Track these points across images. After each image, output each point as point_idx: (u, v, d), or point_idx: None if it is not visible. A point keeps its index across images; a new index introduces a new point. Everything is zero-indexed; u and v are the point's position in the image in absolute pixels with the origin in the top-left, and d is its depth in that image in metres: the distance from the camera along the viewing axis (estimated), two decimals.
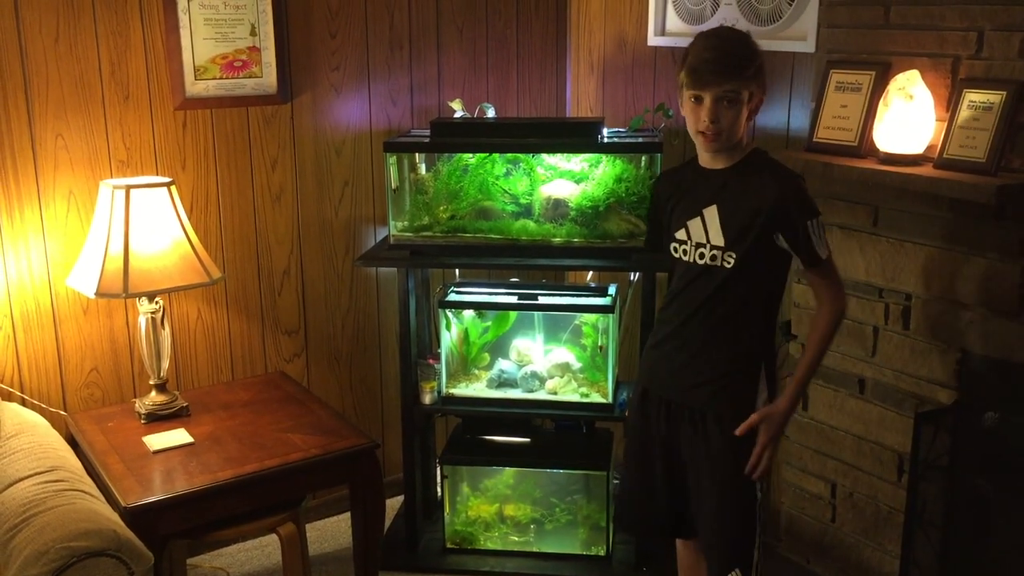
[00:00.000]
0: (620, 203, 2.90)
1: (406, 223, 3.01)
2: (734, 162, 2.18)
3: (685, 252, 2.24)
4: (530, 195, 3.00)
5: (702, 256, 2.20)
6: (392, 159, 2.98)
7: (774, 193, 2.10)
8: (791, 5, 2.83)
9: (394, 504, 3.33)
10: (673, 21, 3.26)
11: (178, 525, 2.38)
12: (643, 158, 2.93)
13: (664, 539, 2.66)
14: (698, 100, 2.11)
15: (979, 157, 2.23)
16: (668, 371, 2.31)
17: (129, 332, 2.92)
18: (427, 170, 3.07)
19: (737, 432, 2.19)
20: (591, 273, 3.49)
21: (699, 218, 2.20)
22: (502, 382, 3.09)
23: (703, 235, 2.19)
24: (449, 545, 3.12)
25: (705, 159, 2.23)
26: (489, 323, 3.17)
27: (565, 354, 3.12)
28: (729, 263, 2.15)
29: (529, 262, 2.95)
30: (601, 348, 3.05)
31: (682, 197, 2.26)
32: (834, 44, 2.63)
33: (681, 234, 2.24)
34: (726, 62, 2.09)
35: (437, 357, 3.06)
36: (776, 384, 2.27)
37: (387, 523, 3.02)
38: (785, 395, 2.21)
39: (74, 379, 2.86)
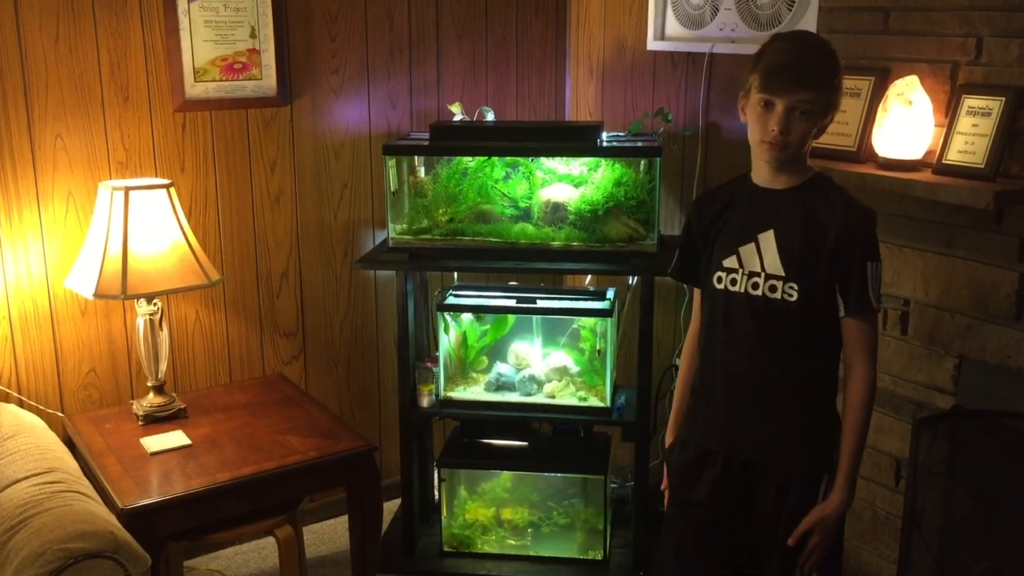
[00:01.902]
0: (619, 207, 2.91)
1: (405, 226, 3.01)
2: (798, 183, 1.95)
3: (733, 282, 1.98)
4: (529, 199, 3.00)
5: (756, 287, 1.95)
6: (391, 162, 2.98)
7: (842, 223, 1.89)
8: (791, 10, 2.84)
9: (391, 507, 3.33)
10: (672, 26, 3.27)
11: (175, 527, 2.38)
12: (642, 162, 2.94)
13: None
14: (768, 106, 1.87)
15: (978, 163, 2.23)
16: (725, 423, 2.04)
17: (127, 334, 2.92)
18: (426, 173, 3.07)
19: (789, 542, 1.96)
20: (589, 277, 3.50)
21: (754, 244, 1.96)
22: (500, 385, 3.09)
23: (758, 263, 1.95)
24: (446, 548, 3.12)
25: (763, 177, 1.98)
26: (487, 326, 3.17)
27: (563, 358, 3.11)
28: (792, 296, 1.92)
29: (528, 266, 2.95)
30: (599, 352, 3.05)
31: (731, 219, 2.02)
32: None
33: (730, 261, 1.99)
34: (808, 69, 1.88)
35: (435, 360, 3.06)
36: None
37: (384, 526, 3.01)
38: (836, 493, 1.95)
39: (72, 380, 2.86)
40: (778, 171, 1.95)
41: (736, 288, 1.98)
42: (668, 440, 2.25)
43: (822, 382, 2.01)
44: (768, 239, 1.95)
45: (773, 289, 1.94)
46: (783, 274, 1.93)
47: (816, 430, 2.01)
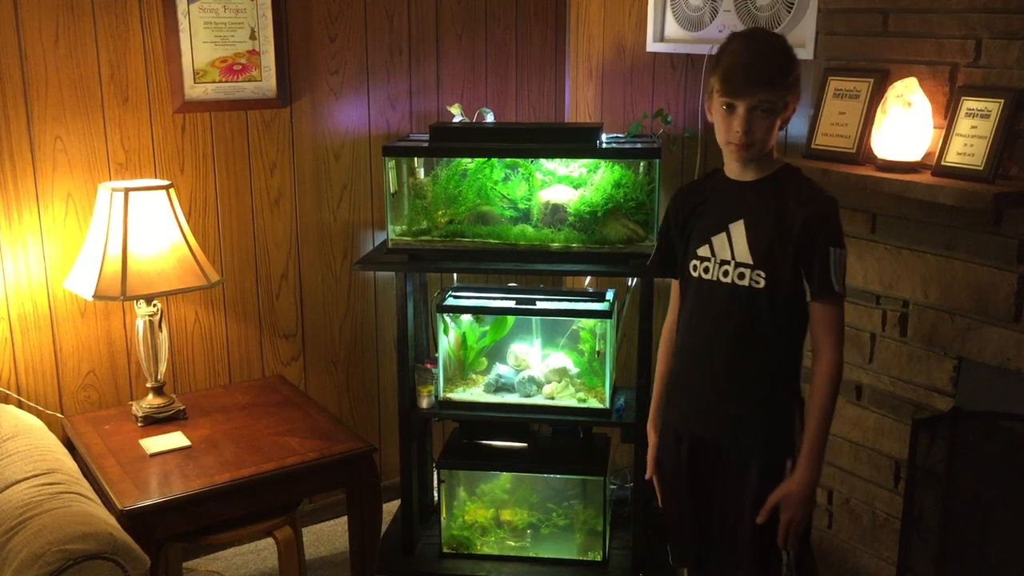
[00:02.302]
0: (618, 209, 2.91)
1: (404, 227, 3.01)
2: (764, 175, 2.03)
3: (707, 270, 2.07)
4: (529, 200, 3.00)
5: (726, 274, 2.04)
6: (391, 163, 2.98)
7: (807, 212, 1.95)
8: (790, 12, 2.84)
9: (391, 508, 3.33)
10: (672, 27, 3.27)
11: (175, 528, 2.38)
12: (641, 164, 2.94)
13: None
14: (730, 109, 1.95)
15: (977, 165, 2.24)
16: (695, 405, 2.16)
17: (127, 335, 2.92)
18: (426, 174, 3.07)
19: (758, 520, 2.04)
20: (589, 278, 3.50)
21: (724, 233, 2.04)
22: (499, 387, 3.09)
23: (728, 252, 2.03)
24: (446, 550, 3.12)
25: (733, 170, 2.07)
26: (487, 328, 3.17)
27: (563, 359, 3.12)
28: (759, 283, 2.00)
29: (527, 267, 2.96)
30: (599, 353, 3.05)
31: (705, 211, 2.10)
32: (832, 51, 2.64)
33: (704, 250, 2.08)
34: (764, 69, 1.93)
35: (435, 361, 3.06)
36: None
37: (384, 527, 3.01)
38: (798, 472, 2.02)
39: (71, 381, 2.86)
40: (746, 165, 2.04)
41: (709, 276, 2.08)
42: (649, 429, 2.33)
43: (787, 367, 2.07)
44: (739, 229, 2.03)
45: (742, 276, 2.02)
46: (751, 262, 2.01)
47: (777, 414, 2.07)
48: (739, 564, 2.14)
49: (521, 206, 3.00)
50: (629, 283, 3.34)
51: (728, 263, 2.04)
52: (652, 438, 2.31)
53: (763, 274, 2.00)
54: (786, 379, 2.08)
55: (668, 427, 2.24)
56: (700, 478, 2.18)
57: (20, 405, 2.76)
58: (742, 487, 2.10)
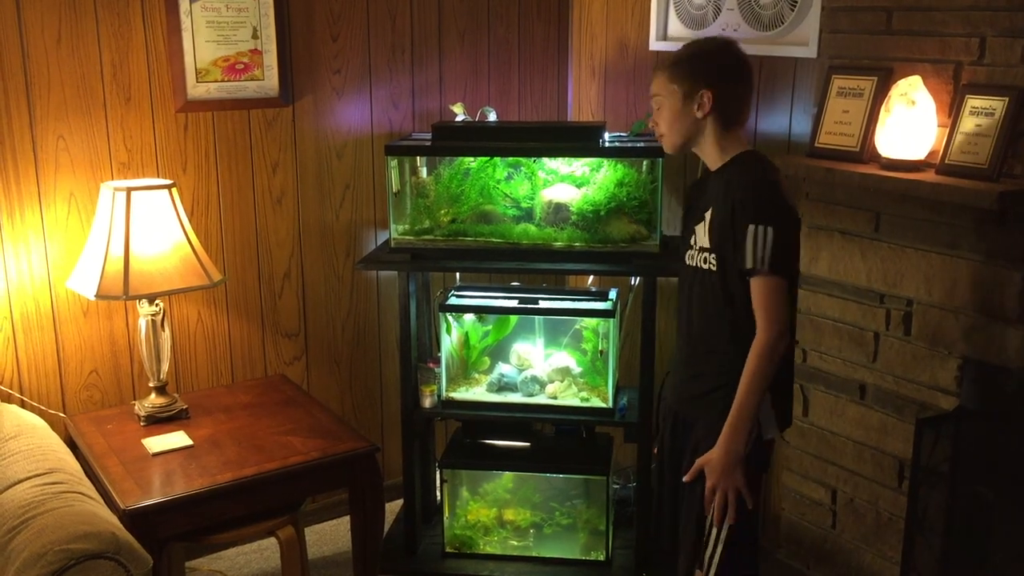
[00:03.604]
0: (621, 208, 2.90)
1: (407, 226, 3.00)
2: (723, 163, 2.14)
3: (690, 257, 2.19)
4: (531, 199, 2.99)
5: (692, 259, 2.18)
6: (393, 162, 2.98)
7: (735, 194, 2.04)
8: (793, 10, 2.83)
9: (393, 508, 3.32)
10: (675, 26, 3.26)
11: (177, 528, 2.38)
12: (644, 163, 2.93)
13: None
14: None
15: (981, 163, 2.23)
16: (672, 382, 2.31)
17: (129, 334, 2.92)
18: (428, 174, 3.07)
19: (685, 479, 2.14)
20: (592, 277, 3.49)
21: (702, 222, 2.14)
22: (502, 386, 3.08)
23: (701, 238, 2.15)
24: (448, 549, 3.12)
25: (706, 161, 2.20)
26: (489, 327, 3.17)
27: (565, 358, 3.11)
28: (712, 266, 2.10)
29: (530, 266, 2.95)
30: (602, 353, 3.05)
31: (695, 202, 2.22)
32: (836, 49, 2.63)
33: (691, 239, 2.20)
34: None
35: (437, 361, 3.06)
36: (784, 402, 2.18)
37: (386, 527, 3.01)
38: (719, 441, 2.07)
39: (74, 381, 2.86)
40: (701, 156, 2.17)
41: (690, 262, 2.19)
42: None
43: (740, 348, 2.08)
44: (708, 216, 2.12)
45: (704, 260, 2.13)
46: (708, 245, 2.11)
47: (729, 392, 2.09)
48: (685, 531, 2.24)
49: (524, 205, 3.00)
50: (632, 282, 3.34)
51: (698, 249, 2.16)
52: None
53: (714, 256, 2.09)
54: (740, 360, 2.07)
55: (664, 407, 2.38)
56: (678, 455, 2.27)
57: (23, 405, 2.76)
58: (689, 455, 2.19)
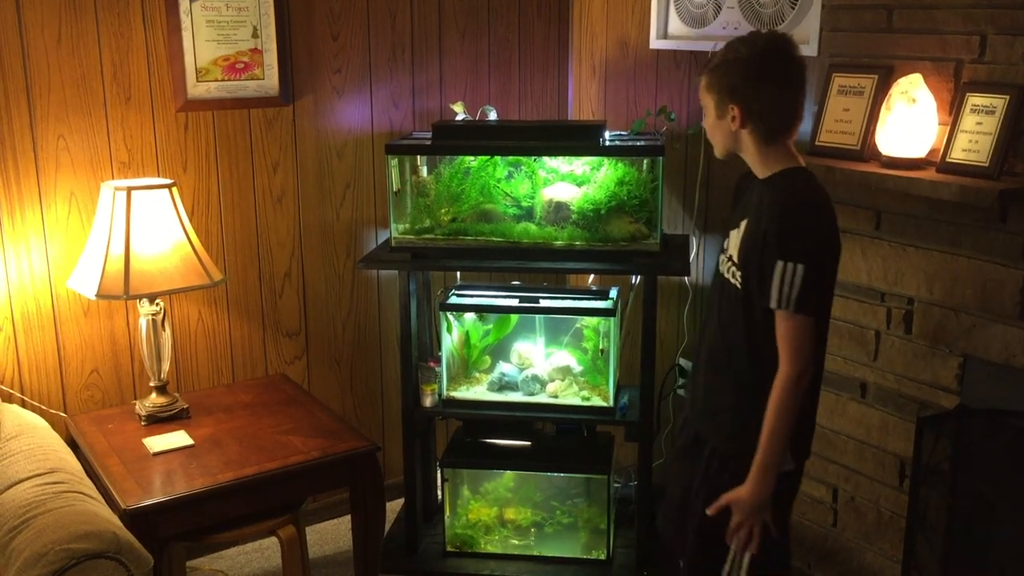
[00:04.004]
0: (622, 206, 2.90)
1: (407, 226, 3.00)
2: (766, 176, 2.00)
3: (722, 261, 2.10)
4: (532, 198, 2.99)
5: (726, 270, 2.07)
6: (394, 161, 2.98)
7: (767, 219, 1.92)
8: (794, 8, 2.83)
9: (394, 507, 3.32)
10: (675, 24, 3.26)
11: (178, 527, 2.38)
12: (645, 161, 2.93)
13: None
14: None
15: (982, 161, 2.23)
16: (691, 386, 2.24)
17: (130, 334, 2.92)
18: (428, 173, 3.06)
19: (708, 511, 2.04)
20: (592, 276, 3.49)
21: (737, 229, 2.05)
22: (503, 385, 3.08)
23: (732, 247, 2.05)
24: (449, 548, 3.12)
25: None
26: (490, 326, 3.17)
27: (566, 357, 3.11)
28: (738, 283, 2.00)
29: (530, 265, 2.95)
30: (602, 351, 3.05)
31: (741, 197, 2.13)
32: (837, 48, 2.63)
33: (726, 242, 2.11)
34: (702, 66, 2.02)
35: (438, 360, 3.06)
36: (802, 434, 2.06)
37: (387, 526, 3.01)
38: (749, 478, 1.99)
39: (74, 381, 2.86)
40: (750, 163, 2.04)
41: (721, 267, 2.10)
42: None
43: (758, 370, 2.01)
44: (743, 225, 2.03)
45: (733, 274, 2.03)
46: (737, 260, 2.02)
47: (741, 414, 2.05)
48: (685, 545, 2.19)
49: (524, 204, 3.00)
50: (633, 281, 3.34)
51: (730, 258, 2.06)
52: None
53: (741, 275, 2.00)
54: (756, 383, 2.00)
55: (682, 409, 2.31)
56: (689, 464, 2.21)
57: (23, 404, 2.76)
58: (701, 479, 2.13)
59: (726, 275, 2.06)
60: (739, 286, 2.01)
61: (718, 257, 2.15)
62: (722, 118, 1.99)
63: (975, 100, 2.27)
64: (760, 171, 2.02)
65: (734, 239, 2.06)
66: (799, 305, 1.88)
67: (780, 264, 1.88)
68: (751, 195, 2.06)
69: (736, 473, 2.04)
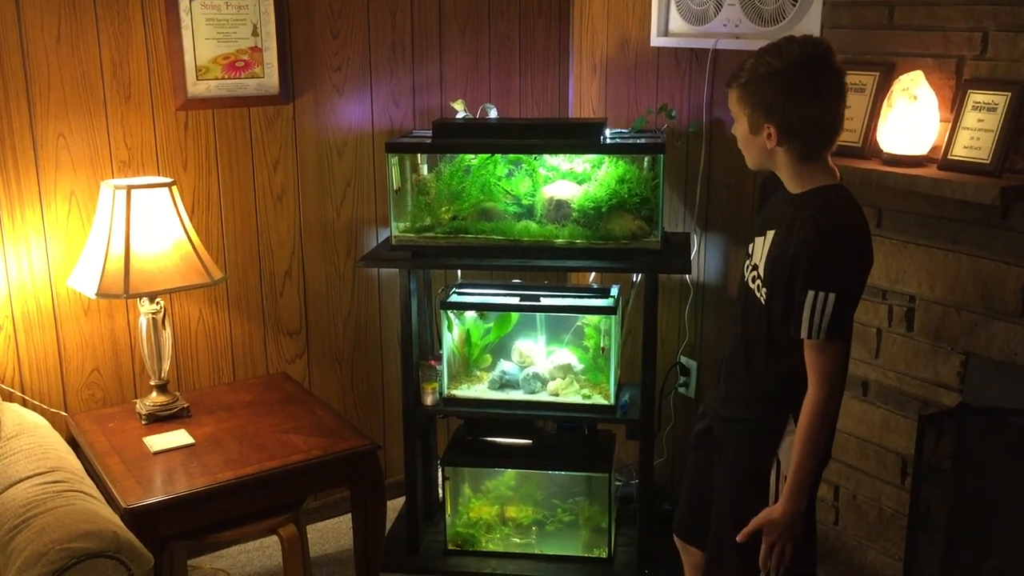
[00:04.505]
0: (623, 204, 2.89)
1: (408, 224, 3.00)
2: (799, 192, 1.93)
3: (747, 268, 2.06)
4: (532, 196, 2.99)
5: (752, 279, 2.03)
6: (394, 160, 2.98)
7: (797, 243, 1.85)
8: (795, 5, 2.82)
9: (395, 506, 3.32)
10: (676, 22, 3.25)
11: (179, 526, 2.38)
12: (646, 159, 2.93)
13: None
14: None
15: (984, 158, 2.22)
16: (713, 393, 2.24)
17: (130, 333, 2.92)
18: (429, 171, 3.06)
19: (738, 538, 2.02)
20: (593, 274, 3.49)
21: (763, 237, 1.99)
22: (504, 383, 3.08)
23: (758, 256, 1.99)
24: (450, 547, 3.12)
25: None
26: (491, 324, 3.16)
27: (567, 356, 3.11)
28: (763, 298, 1.96)
29: (531, 263, 2.95)
30: (603, 350, 3.04)
31: (763, 207, 2.09)
32: (838, 45, 2.59)
33: (751, 247, 2.06)
34: (730, 75, 1.91)
35: (439, 358, 3.05)
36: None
37: (388, 525, 3.01)
38: (781, 499, 1.97)
39: (75, 380, 2.86)
40: (783, 179, 1.97)
41: (746, 274, 2.06)
42: None
43: (777, 384, 2.00)
44: (770, 236, 1.97)
45: (758, 288, 1.99)
46: (763, 275, 1.96)
47: (759, 427, 2.04)
48: (714, 553, 2.18)
49: (525, 202, 2.99)
50: (634, 279, 3.33)
51: (755, 268, 2.01)
52: None
53: (766, 290, 1.96)
54: (776, 398, 2.00)
55: (704, 412, 2.28)
56: (705, 461, 2.22)
57: (24, 403, 2.76)
58: (723, 490, 2.13)
59: (751, 285, 2.02)
60: (763, 302, 1.96)
61: (744, 261, 2.11)
62: (756, 134, 1.90)
63: (977, 97, 2.26)
64: (793, 187, 1.95)
65: (759, 247, 2.01)
66: (830, 333, 1.84)
67: (811, 294, 1.82)
68: (779, 203, 1.99)
69: (755, 486, 2.03)
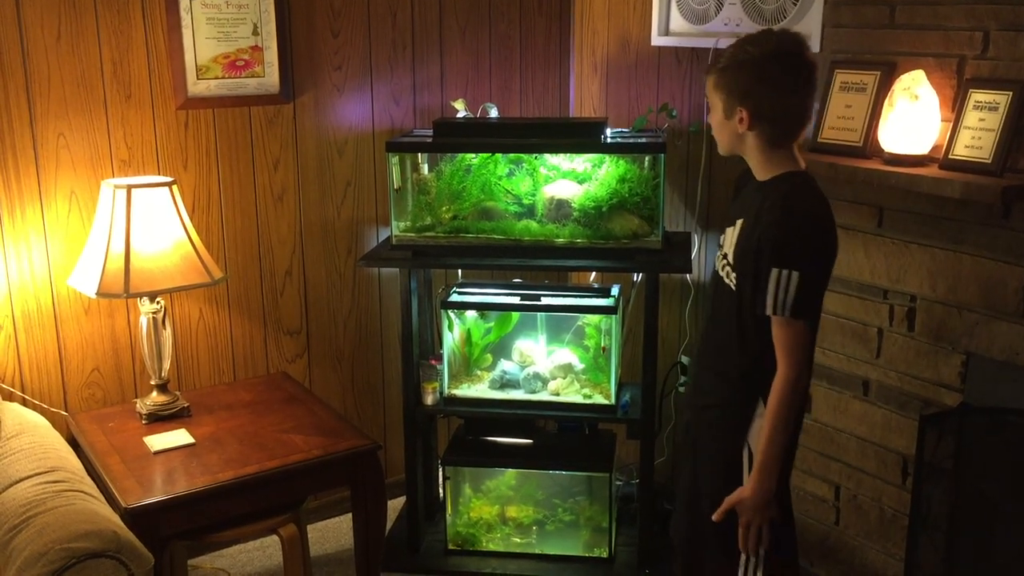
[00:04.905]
0: (623, 204, 2.89)
1: (408, 223, 3.00)
2: (765, 179, 2.01)
3: (719, 258, 2.12)
4: (533, 195, 2.99)
5: (722, 267, 2.09)
6: (394, 159, 2.97)
7: (764, 225, 1.93)
8: (795, 5, 2.82)
9: (396, 505, 3.32)
10: (677, 21, 3.25)
11: (179, 526, 2.37)
12: (646, 159, 2.92)
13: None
14: None
15: (985, 158, 2.22)
16: (689, 387, 2.30)
17: (130, 332, 2.91)
18: (429, 170, 3.06)
19: (714, 518, 2.07)
20: (594, 274, 3.48)
21: (733, 227, 2.06)
22: (504, 383, 3.08)
23: (728, 245, 2.06)
24: (451, 546, 3.11)
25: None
26: (492, 324, 3.16)
27: (568, 355, 3.10)
28: (733, 284, 2.02)
29: (532, 263, 2.94)
30: (604, 349, 3.04)
31: (735, 200, 2.15)
32: (839, 44, 2.62)
33: (722, 238, 2.12)
34: (709, 63, 2.03)
35: (439, 358, 3.05)
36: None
37: (389, 524, 3.00)
38: (751, 478, 2.02)
39: (75, 379, 2.86)
40: (751, 165, 2.04)
41: (718, 264, 2.12)
42: None
43: (748, 369, 2.04)
44: (739, 224, 2.03)
45: (728, 274, 2.05)
46: (732, 262, 2.03)
47: (730, 411, 2.08)
48: (702, 541, 2.22)
49: (525, 201, 2.99)
50: (634, 279, 3.33)
51: (724, 256, 2.08)
52: None
53: (735, 275, 2.01)
54: (750, 383, 2.03)
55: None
56: (690, 458, 2.25)
57: (24, 403, 2.75)
58: (701, 475, 2.19)
59: (721, 273, 2.08)
60: (733, 287, 2.02)
61: (717, 249, 2.17)
62: (729, 119, 1.99)
63: (978, 96, 2.26)
64: (760, 173, 2.02)
65: (729, 237, 2.07)
66: (795, 311, 1.90)
67: (775, 272, 1.89)
68: (749, 193, 2.06)
69: (728, 471, 2.07)
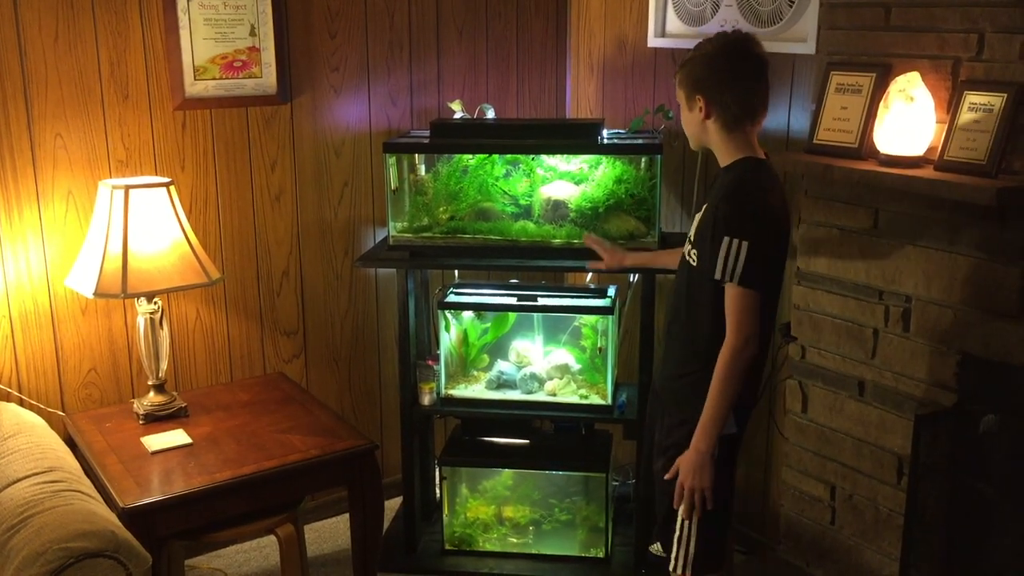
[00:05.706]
0: (620, 204, 2.90)
1: (405, 224, 3.00)
2: (726, 164, 2.17)
3: (686, 243, 2.25)
4: (530, 196, 2.99)
5: (686, 246, 2.24)
6: (391, 160, 2.98)
7: (715, 203, 2.09)
8: (791, 7, 2.83)
9: (393, 505, 3.33)
10: (673, 23, 3.26)
11: (176, 526, 2.38)
12: (643, 160, 2.93)
13: None
14: None
15: (980, 159, 2.23)
16: (659, 362, 2.44)
17: (128, 332, 2.92)
18: (427, 171, 3.06)
19: (666, 477, 2.20)
20: (590, 275, 3.49)
21: (699, 212, 2.21)
22: (501, 383, 3.08)
23: (692, 229, 2.22)
24: (448, 547, 3.12)
25: None
26: (488, 324, 3.17)
27: (564, 356, 3.11)
28: (693, 261, 2.17)
29: (529, 263, 2.95)
30: (600, 350, 3.04)
31: (707, 192, 2.28)
32: (834, 46, 2.63)
33: (691, 227, 2.25)
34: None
35: (436, 358, 3.06)
36: (743, 400, 2.17)
37: (386, 524, 3.01)
38: (692, 442, 2.13)
39: (72, 379, 2.86)
40: (716, 153, 2.18)
41: (684, 249, 2.26)
42: None
43: (707, 341, 2.15)
44: (704, 209, 2.18)
45: (690, 253, 2.20)
46: (693, 240, 2.19)
47: (691, 383, 2.19)
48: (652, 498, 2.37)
49: (522, 202, 3.00)
50: (631, 279, 3.34)
51: (689, 240, 2.22)
52: None
53: (695, 253, 2.16)
54: (711, 354, 2.12)
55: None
56: (652, 425, 2.40)
57: (21, 403, 2.76)
58: (658, 441, 2.31)
59: (686, 255, 2.22)
60: (694, 263, 2.16)
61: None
62: (691, 110, 2.16)
63: (973, 98, 2.27)
64: (722, 160, 2.17)
65: (694, 224, 2.21)
66: (743, 278, 2.03)
67: (726, 240, 2.03)
68: (713, 184, 2.23)
69: (681, 436, 2.19)
